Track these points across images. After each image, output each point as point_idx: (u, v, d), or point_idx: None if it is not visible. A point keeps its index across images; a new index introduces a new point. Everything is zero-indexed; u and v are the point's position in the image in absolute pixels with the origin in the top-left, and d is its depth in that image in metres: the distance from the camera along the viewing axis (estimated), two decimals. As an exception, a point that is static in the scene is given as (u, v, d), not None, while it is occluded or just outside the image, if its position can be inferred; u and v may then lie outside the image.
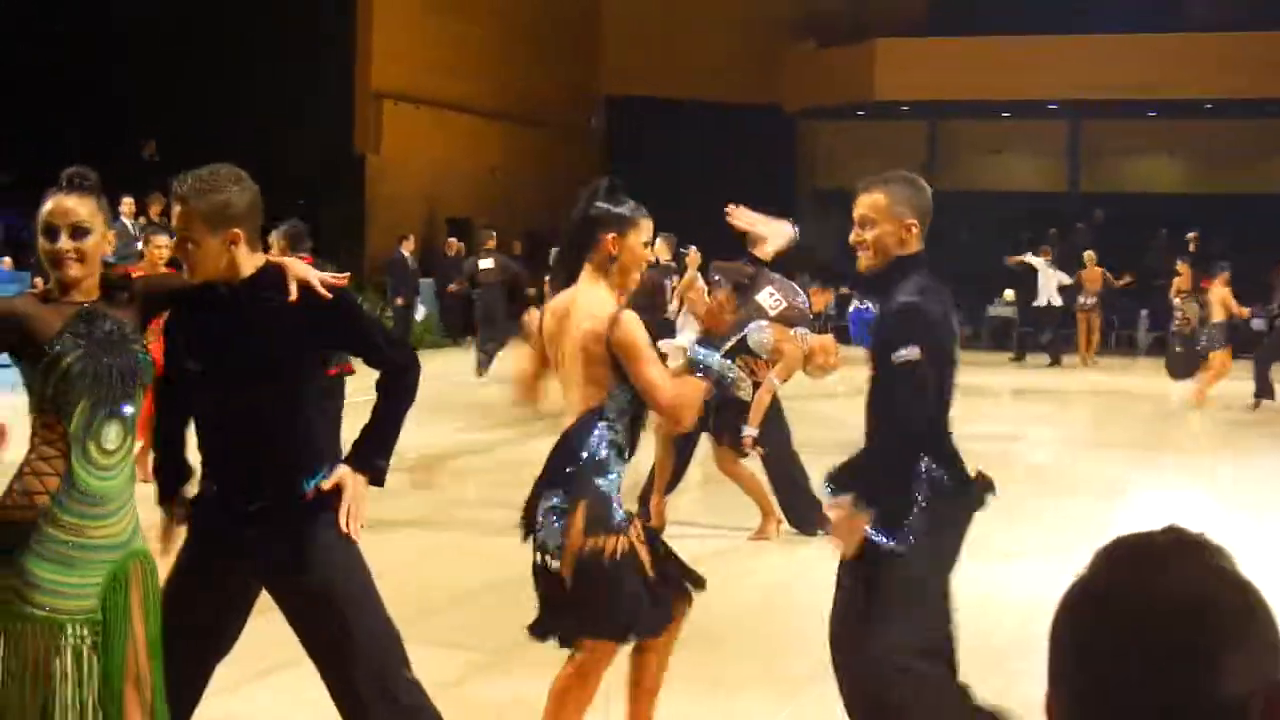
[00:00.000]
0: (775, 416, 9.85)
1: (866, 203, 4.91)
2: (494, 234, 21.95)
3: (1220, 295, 18.49)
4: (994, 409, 16.77)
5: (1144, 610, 1.42)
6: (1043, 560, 8.80)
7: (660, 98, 34.29)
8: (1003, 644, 7.01)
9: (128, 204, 20.28)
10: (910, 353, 4.55)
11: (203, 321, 4.33)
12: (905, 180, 4.99)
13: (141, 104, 25.38)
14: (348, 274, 4.94)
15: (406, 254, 23.24)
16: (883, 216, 4.87)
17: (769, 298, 9.35)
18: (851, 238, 4.91)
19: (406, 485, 10.77)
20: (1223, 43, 31.16)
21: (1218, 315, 18.29)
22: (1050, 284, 25.87)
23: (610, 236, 4.89)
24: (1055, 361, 25.11)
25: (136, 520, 4.25)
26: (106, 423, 4.11)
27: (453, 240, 26.36)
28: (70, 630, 4.03)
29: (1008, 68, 32.18)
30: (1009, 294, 28.91)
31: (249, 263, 4.30)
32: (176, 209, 4.26)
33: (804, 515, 9.81)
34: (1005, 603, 7.91)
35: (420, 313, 24.01)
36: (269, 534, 4.27)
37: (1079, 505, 11.46)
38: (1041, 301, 26.01)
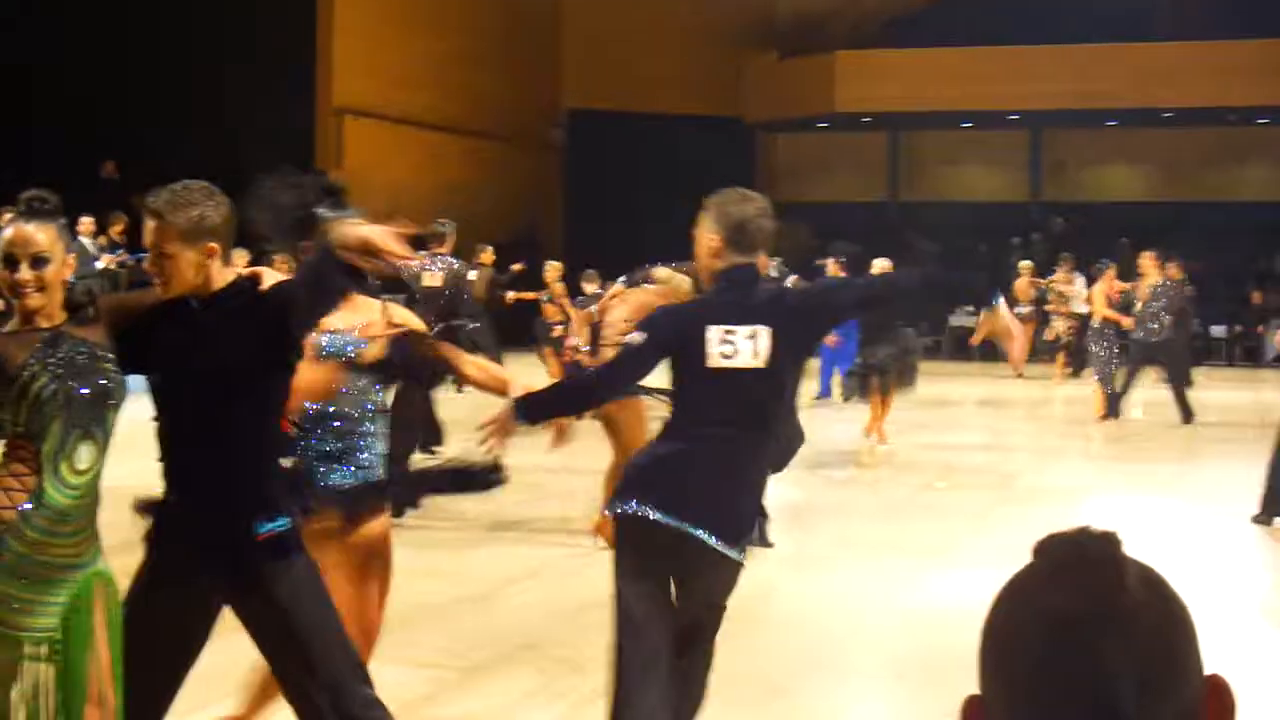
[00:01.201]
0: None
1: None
2: (446, 233, 14.93)
3: (1099, 296, 18.20)
4: (961, 418, 16.83)
5: (1062, 612, 1.42)
6: (1008, 569, 8.78)
7: (621, 111, 34.29)
8: (966, 653, 6.98)
9: (86, 224, 20.15)
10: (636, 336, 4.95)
11: (170, 334, 4.29)
12: (717, 200, 5.21)
13: (99, 122, 25.22)
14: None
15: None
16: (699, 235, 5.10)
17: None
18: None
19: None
20: (1181, 52, 31.36)
21: (1097, 318, 18.04)
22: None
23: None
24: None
25: (99, 541, 4.21)
26: (80, 443, 4.07)
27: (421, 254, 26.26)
28: (27, 648, 3.99)
29: (968, 78, 32.31)
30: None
31: (221, 276, 4.28)
32: (151, 224, 4.21)
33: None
34: (970, 611, 7.89)
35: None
36: (228, 554, 4.25)
37: (1045, 513, 11.48)
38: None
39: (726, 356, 4.78)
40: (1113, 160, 36.32)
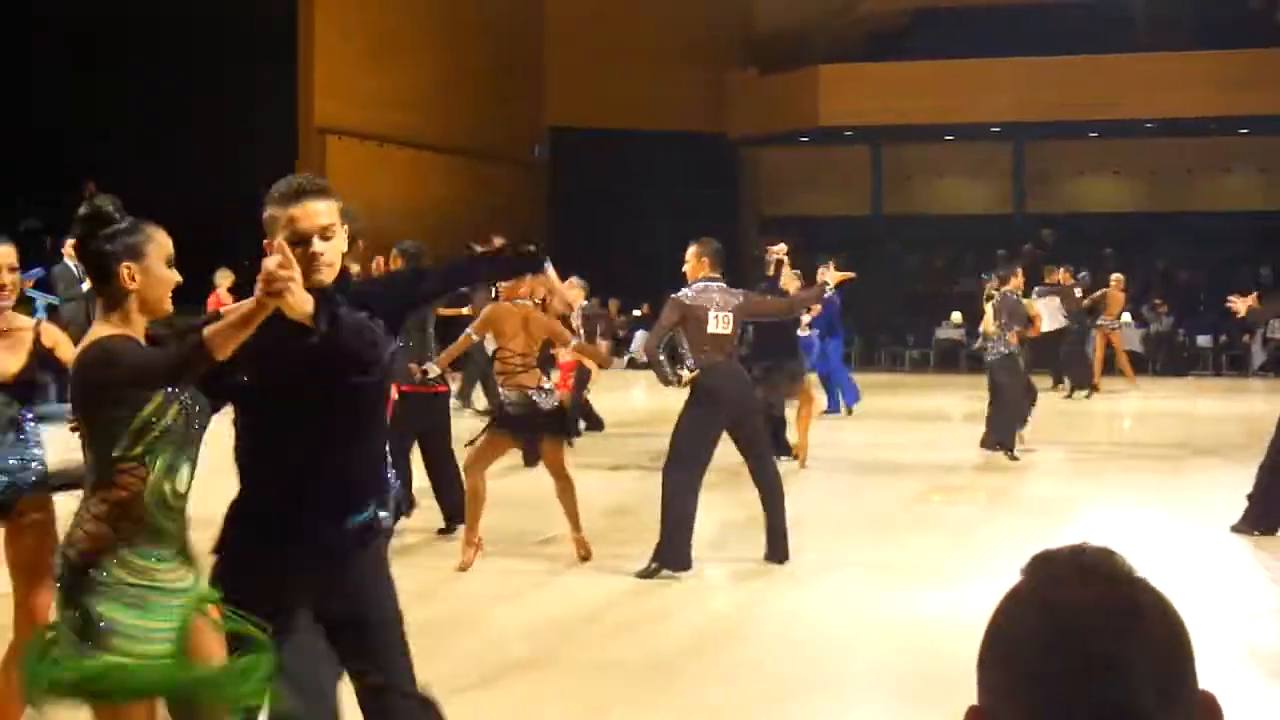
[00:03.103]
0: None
1: None
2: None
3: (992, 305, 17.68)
4: (949, 431, 16.79)
5: (1066, 624, 1.42)
6: (999, 582, 8.75)
7: (604, 128, 34.31)
8: (960, 666, 6.95)
9: (71, 245, 20.07)
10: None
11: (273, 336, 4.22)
12: None
13: (81, 143, 25.17)
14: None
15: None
16: None
17: None
18: None
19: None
20: (1163, 63, 31.47)
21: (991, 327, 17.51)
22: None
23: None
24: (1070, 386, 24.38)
25: (197, 562, 4.20)
26: (183, 466, 4.08)
27: (401, 274, 26.25)
28: None
29: (950, 91, 32.38)
30: (956, 316, 29.03)
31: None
32: (299, 209, 4.17)
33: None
34: (962, 624, 7.86)
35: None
36: (316, 557, 4.26)
37: (1035, 526, 11.46)
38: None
39: None
40: (1096, 171, 36.42)
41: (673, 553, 9.36)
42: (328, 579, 4.28)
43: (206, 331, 3.80)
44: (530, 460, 9.92)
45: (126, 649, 3.89)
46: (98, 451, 4.00)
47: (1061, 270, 23.08)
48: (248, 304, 3.80)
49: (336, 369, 4.15)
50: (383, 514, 4.34)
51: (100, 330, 4.05)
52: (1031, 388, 15.95)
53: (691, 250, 9.92)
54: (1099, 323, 23.63)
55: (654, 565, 9.37)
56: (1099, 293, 23.84)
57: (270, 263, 3.71)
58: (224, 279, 19.68)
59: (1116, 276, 24.65)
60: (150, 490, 3.98)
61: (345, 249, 4.33)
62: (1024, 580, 1.50)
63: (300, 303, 3.83)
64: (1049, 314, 23.32)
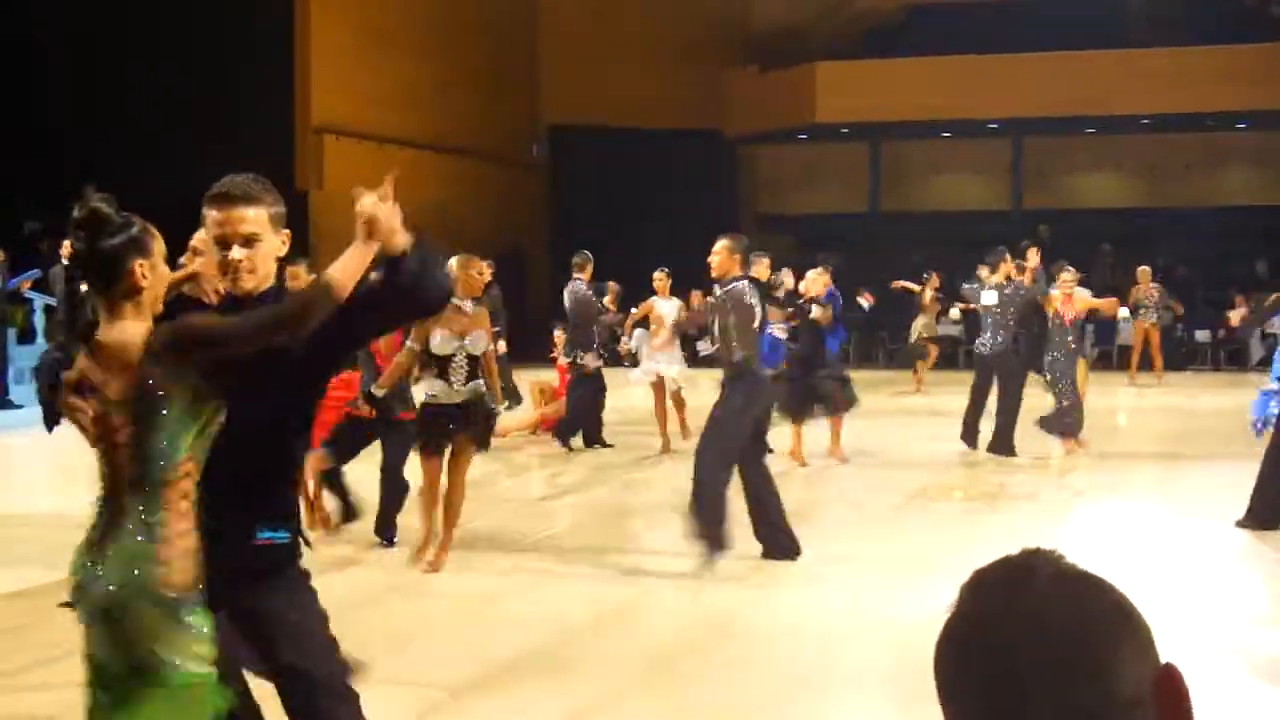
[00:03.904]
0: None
1: None
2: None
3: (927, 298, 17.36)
4: (947, 428, 16.74)
5: (1020, 631, 1.44)
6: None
7: (602, 126, 34.29)
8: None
9: (69, 247, 20.07)
10: None
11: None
12: None
13: (78, 144, 25.16)
14: None
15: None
16: None
17: None
18: None
19: (365, 525, 10.66)
20: (1160, 59, 31.45)
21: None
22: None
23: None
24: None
25: None
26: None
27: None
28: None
29: (948, 88, 32.36)
30: (955, 313, 28.99)
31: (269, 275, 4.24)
32: (223, 214, 4.16)
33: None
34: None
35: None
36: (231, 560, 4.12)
37: (1031, 523, 11.47)
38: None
39: None
40: (1093, 167, 36.41)
41: (717, 539, 9.47)
42: (239, 583, 4.16)
43: (331, 274, 3.93)
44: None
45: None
46: (155, 454, 3.80)
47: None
48: (356, 248, 4.04)
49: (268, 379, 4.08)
50: (284, 535, 4.21)
51: (134, 325, 3.86)
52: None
53: (723, 245, 9.92)
54: (1138, 316, 24.04)
55: (707, 558, 9.50)
56: (1134, 287, 24.14)
57: (367, 205, 4.02)
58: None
59: (1144, 269, 24.79)
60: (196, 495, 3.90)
61: (279, 254, 4.26)
62: (971, 596, 1.52)
63: (395, 238, 4.15)
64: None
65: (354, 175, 23.63)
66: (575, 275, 15.77)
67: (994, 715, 1.44)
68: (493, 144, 33.37)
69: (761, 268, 13.77)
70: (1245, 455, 11.97)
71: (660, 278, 16.46)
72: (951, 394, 22.88)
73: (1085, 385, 16.44)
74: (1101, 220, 33.73)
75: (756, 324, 9.80)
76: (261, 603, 4.20)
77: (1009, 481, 13.88)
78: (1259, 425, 11.25)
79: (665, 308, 16.17)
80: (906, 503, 12.60)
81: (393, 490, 10.40)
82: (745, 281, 9.88)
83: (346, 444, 10.38)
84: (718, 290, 9.91)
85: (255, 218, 4.16)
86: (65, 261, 19.84)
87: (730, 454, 9.60)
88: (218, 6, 26.43)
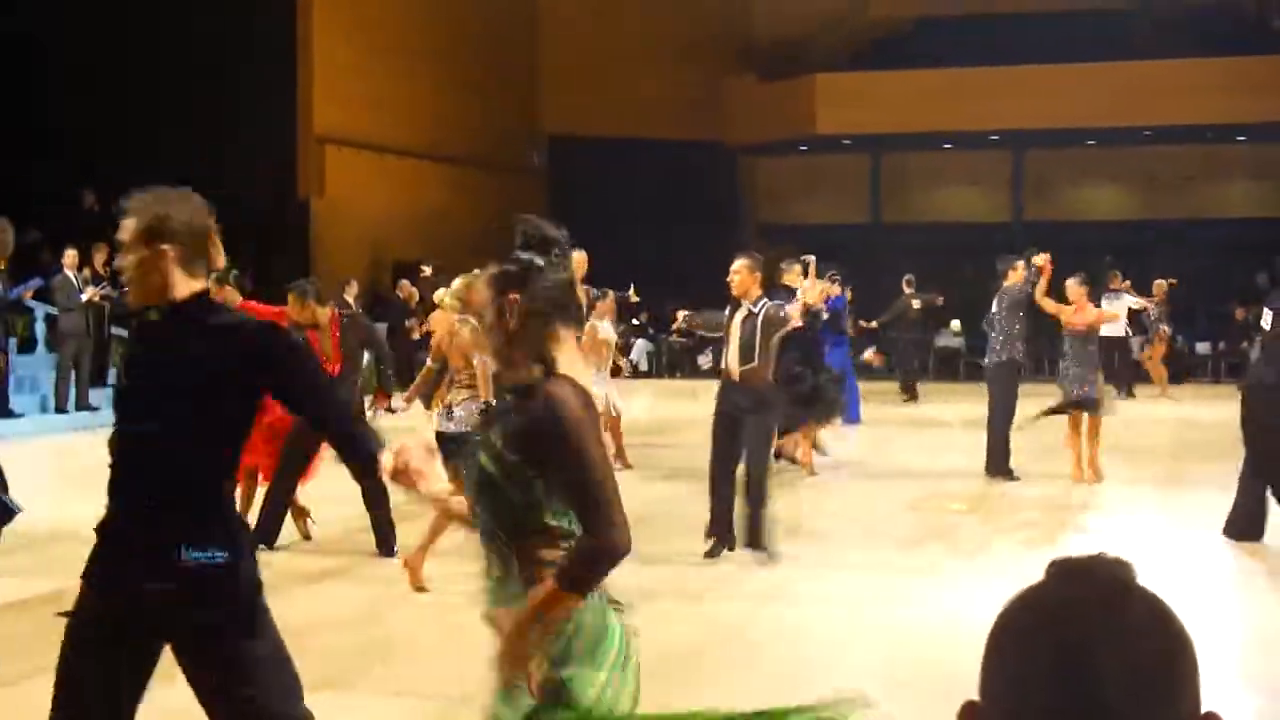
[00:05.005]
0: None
1: None
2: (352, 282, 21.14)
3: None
4: (947, 438, 16.78)
5: (1049, 617, 1.44)
6: (994, 587, 8.75)
7: (603, 136, 34.31)
8: (954, 670, 6.95)
9: (70, 256, 20.11)
10: None
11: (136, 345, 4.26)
12: None
13: (80, 152, 25.16)
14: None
15: (350, 299, 23.06)
16: None
17: None
18: None
19: (358, 535, 10.65)
20: (1160, 71, 31.50)
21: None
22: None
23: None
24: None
25: None
26: None
27: (405, 283, 26.26)
28: None
29: (948, 100, 32.39)
30: (955, 325, 29.03)
31: (184, 285, 4.13)
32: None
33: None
34: (957, 629, 7.87)
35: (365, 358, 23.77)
36: (157, 584, 4.01)
37: (1030, 533, 11.47)
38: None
39: None
40: (1094, 179, 36.42)
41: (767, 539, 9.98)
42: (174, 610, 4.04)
43: None
44: None
45: None
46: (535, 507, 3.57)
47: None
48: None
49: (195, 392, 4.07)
50: (222, 554, 4.02)
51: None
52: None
53: (743, 265, 10.11)
54: (1161, 326, 24.25)
55: (765, 554, 9.95)
56: (1148, 299, 24.21)
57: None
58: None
59: (1159, 283, 24.81)
60: None
61: (153, 267, 4.12)
62: (1036, 583, 1.51)
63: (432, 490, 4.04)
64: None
65: (355, 184, 23.71)
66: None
67: (1056, 715, 1.42)
68: (492, 154, 33.37)
69: (792, 275, 13.83)
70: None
71: (606, 302, 15.88)
72: (950, 404, 22.91)
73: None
74: (1102, 232, 33.73)
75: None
76: (207, 641, 4.04)
77: (1007, 490, 13.87)
78: None
79: (605, 331, 15.56)
80: (906, 511, 12.60)
81: (376, 499, 10.33)
82: (767, 299, 10.20)
83: (297, 461, 10.29)
84: (748, 307, 10.02)
85: (126, 227, 4.15)
86: (67, 271, 19.89)
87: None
88: (219, 16, 26.41)
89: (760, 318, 9.95)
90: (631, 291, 18.62)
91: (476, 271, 9.61)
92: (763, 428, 10.06)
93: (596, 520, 3.41)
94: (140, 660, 4.14)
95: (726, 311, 10.35)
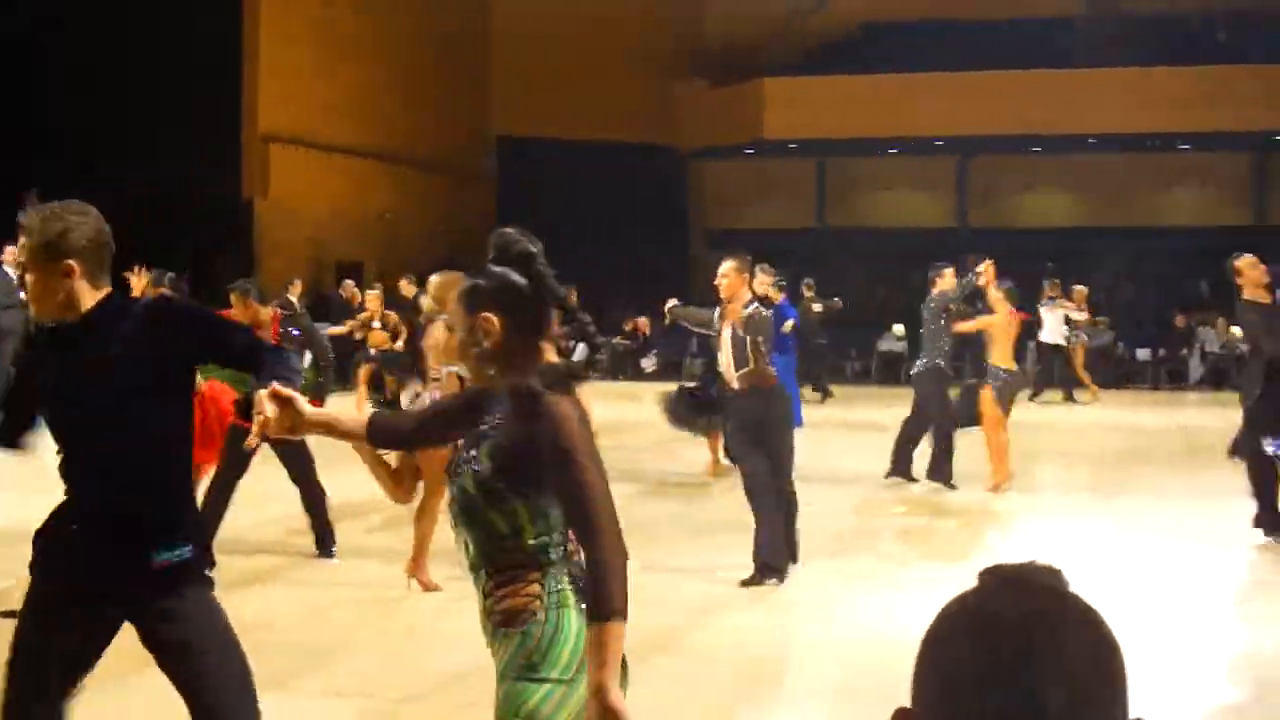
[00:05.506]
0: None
1: None
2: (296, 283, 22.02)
3: None
4: (889, 444, 16.74)
5: (984, 627, 1.46)
6: (947, 591, 8.78)
7: (553, 138, 34.26)
8: (907, 675, 6.96)
9: (10, 252, 19.91)
10: None
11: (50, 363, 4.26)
12: None
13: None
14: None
15: (293, 299, 22.95)
16: None
17: None
18: None
19: (298, 537, 10.60)
20: (1104, 80, 31.71)
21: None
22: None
23: None
24: (1068, 397, 24.71)
25: None
26: None
27: (349, 283, 26.13)
28: None
29: (894, 105, 32.51)
30: (898, 329, 29.11)
31: (89, 296, 4.17)
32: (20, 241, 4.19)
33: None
34: (912, 633, 7.88)
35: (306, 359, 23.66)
36: (129, 584, 4.14)
37: (981, 539, 11.52)
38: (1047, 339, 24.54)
39: None
40: (1038, 186, 36.64)
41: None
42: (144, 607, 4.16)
43: None
44: None
45: None
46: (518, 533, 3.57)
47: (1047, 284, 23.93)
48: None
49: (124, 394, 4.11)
50: (183, 551, 4.15)
51: None
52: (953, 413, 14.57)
53: (731, 266, 10.02)
54: (1073, 335, 24.47)
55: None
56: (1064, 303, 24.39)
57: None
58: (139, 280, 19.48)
59: (1079, 289, 24.98)
60: None
61: (57, 284, 4.15)
62: (971, 586, 1.52)
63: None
64: (1051, 326, 23.85)
65: (300, 184, 23.61)
66: None
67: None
68: (440, 155, 33.28)
69: (763, 282, 13.87)
70: (1187, 470, 12.06)
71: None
72: (891, 408, 22.99)
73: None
74: (1046, 239, 33.92)
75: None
76: (175, 633, 4.15)
77: (952, 496, 13.90)
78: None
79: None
80: (854, 517, 12.63)
81: (314, 501, 10.28)
82: (756, 303, 10.17)
83: (235, 457, 10.24)
84: (743, 311, 9.93)
85: (19, 250, 4.20)
86: (6, 267, 19.69)
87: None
88: (160, 13, 26.04)
89: (741, 323, 9.90)
90: (572, 294, 18.63)
91: (453, 274, 9.56)
92: (786, 440, 10.03)
93: (602, 535, 3.40)
94: (99, 632, 4.21)
95: (716, 313, 10.32)
